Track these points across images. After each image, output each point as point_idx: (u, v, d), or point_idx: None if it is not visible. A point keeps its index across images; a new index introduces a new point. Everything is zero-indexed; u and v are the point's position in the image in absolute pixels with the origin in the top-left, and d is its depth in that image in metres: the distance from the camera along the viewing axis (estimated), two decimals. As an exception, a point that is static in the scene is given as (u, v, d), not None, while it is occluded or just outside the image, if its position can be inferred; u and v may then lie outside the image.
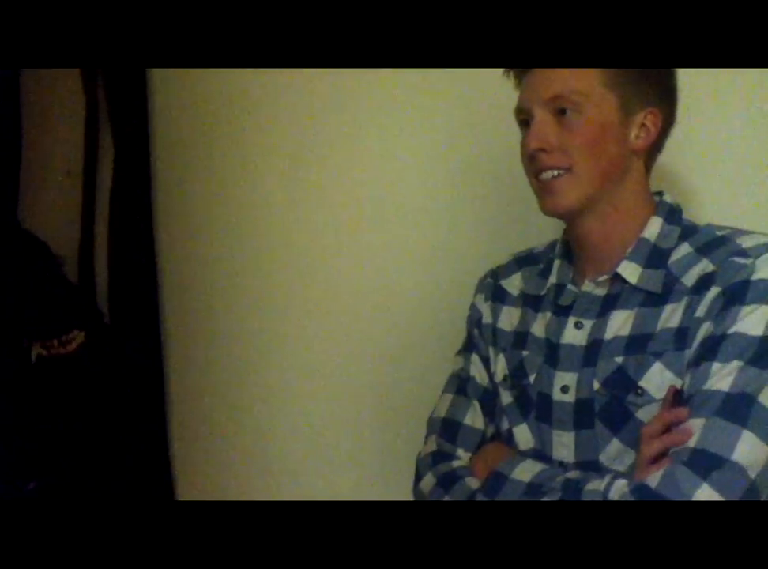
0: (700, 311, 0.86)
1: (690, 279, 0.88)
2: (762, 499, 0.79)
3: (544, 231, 1.14)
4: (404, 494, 1.07)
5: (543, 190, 0.93)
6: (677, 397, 0.84)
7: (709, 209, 1.14)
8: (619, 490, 0.82)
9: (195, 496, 1.56)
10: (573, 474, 0.89)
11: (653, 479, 0.80)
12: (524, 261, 1.08)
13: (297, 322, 1.45)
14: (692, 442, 0.79)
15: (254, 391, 1.51)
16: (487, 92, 1.20)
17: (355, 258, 1.41)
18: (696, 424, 0.80)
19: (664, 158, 0.98)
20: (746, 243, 0.87)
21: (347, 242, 1.41)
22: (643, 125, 0.91)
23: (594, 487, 0.84)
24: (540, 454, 0.96)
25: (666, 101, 0.92)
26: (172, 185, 1.55)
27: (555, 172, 0.91)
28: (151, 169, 1.53)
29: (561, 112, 0.90)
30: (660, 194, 0.97)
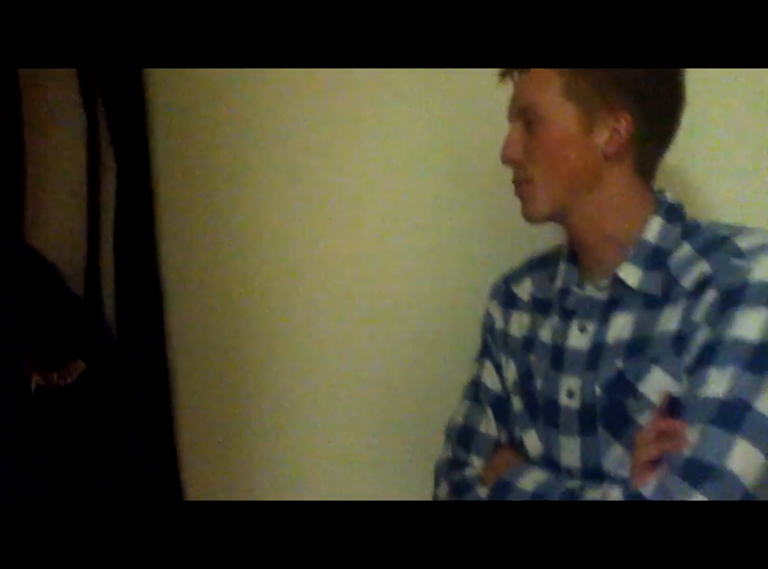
0: (697, 315, 0.84)
1: (688, 281, 0.86)
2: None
3: (554, 232, 1.13)
4: (412, 491, 1.08)
5: (519, 198, 0.96)
6: (672, 403, 0.83)
7: (718, 205, 1.10)
8: (613, 500, 0.81)
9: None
10: (572, 484, 0.89)
11: (647, 489, 0.79)
12: (535, 265, 1.08)
13: (303, 328, 1.46)
14: (686, 451, 0.78)
15: (262, 397, 1.51)
16: (492, 90, 1.19)
17: (362, 259, 1.41)
18: (691, 432, 0.79)
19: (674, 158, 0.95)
20: (744, 243, 0.84)
21: (353, 245, 1.41)
22: (615, 129, 0.89)
23: (590, 497, 0.84)
24: (548, 460, 0.95)
25: (639, 104, 0.89)
26: (174, 197, 1.56)
27: (522, 180, 0.94)
28: (152, 184, 1.54)
29: (529, 123, 0.92)
30: (661, 192, 0.95)
